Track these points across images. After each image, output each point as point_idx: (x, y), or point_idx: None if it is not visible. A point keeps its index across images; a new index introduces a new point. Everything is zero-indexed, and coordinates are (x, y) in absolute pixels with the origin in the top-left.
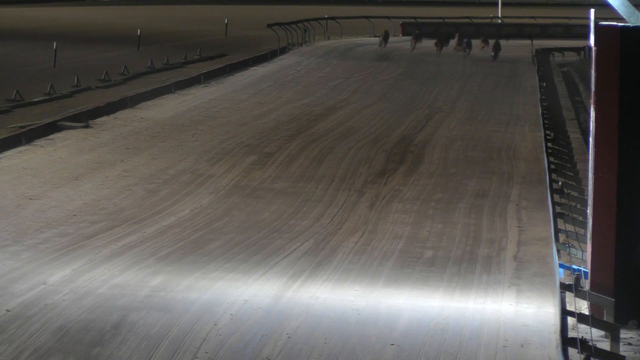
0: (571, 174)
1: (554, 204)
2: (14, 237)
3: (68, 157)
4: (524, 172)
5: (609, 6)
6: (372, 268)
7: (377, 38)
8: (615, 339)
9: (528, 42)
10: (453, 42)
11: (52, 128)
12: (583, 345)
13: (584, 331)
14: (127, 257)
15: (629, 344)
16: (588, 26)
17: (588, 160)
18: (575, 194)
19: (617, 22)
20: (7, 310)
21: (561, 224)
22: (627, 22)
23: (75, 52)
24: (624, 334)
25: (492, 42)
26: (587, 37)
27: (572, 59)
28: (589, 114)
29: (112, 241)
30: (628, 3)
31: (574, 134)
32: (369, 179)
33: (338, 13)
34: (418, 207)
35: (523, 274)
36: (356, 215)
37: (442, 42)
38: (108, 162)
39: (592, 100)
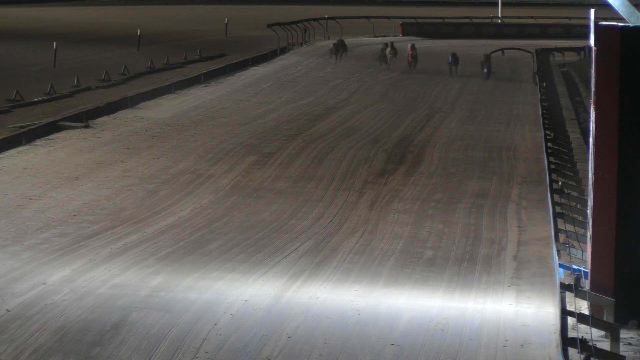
0: (571, 174)
1: (554, 204)
2: (14, 237)
3: (68, 157)
4: (524, 172)
5: (609, 6)
6: (372, 268)
7: (377, 38)
8: (615, 339)
9: (529, 43)
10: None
11: (52, 128)
12: (583, 345)
13: (584, 331)
14: (127, 257)
15: (629, 344)
16: (588, 26)
17: (588, 160)
18: (575, 194)
19: (617, 22)
20: (7, 310)
21: (561, 224)
22: (627, 22)
23: (75, 52)
24: (624, 334)
25: (483, 56)
26: (587, 37)
27: (572, 59)
28: (589, 114)
29: (112, 241)
30: (628, 3)
31: (574, 134)
32: (369, 179)
33: (338, 13)
34: (418, 207)
35: (523, 274)
36: (356, 215)
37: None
38: (108, 162)
39: (592, 100)
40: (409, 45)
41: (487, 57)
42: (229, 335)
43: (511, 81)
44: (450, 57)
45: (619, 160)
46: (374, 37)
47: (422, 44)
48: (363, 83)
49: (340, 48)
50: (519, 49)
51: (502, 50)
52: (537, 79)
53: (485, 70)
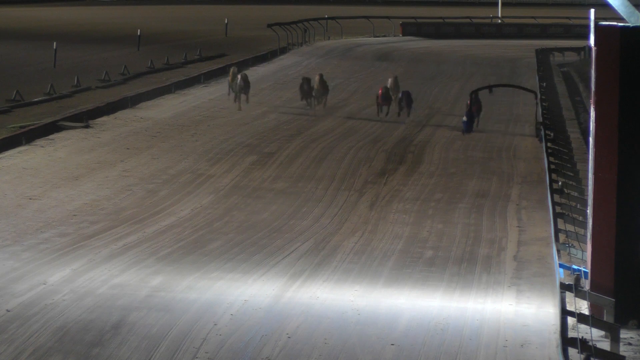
0: (571, 174)
1: (554, 204)
2: (14, 237)
3: (68, 157)
4: (524, 172)
5: (609, 6)
6: (372, 268)
7: (377, 38)
8: (615, 339)
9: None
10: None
11: (52, 128)
12: (583, 345)
13: (584, 331)
14: (127, 257)
15: (629, 344)
16: (588, 26)
17: (588, 160)
18: (575, 194)
19: (617, 22)
20: (7, 310)
21: (561, 224)
22: (627, 22)
23: (75, 52)
24: (624, 334)
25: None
26: (587, 37)
27: (572, 59)
28: (589, 114)
29: (112, 241)
30: (628, 3)
31: (574, 134)
32: (369, 179)
33: (338, 13)
34: (418, 207)
35: (523, 274)
36: (356, 215)
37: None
38: (108, 162)
39: (592, 100)
40: (391, 79)
41: (475, 98)
42: (229, 335)
43: (511, 81)
44: (401, 96)
45: (619, 160)
46: (374, 37)
47: (422, 44)
48: (363, 83)
49: (245, 84)
50: (519, 87)
51: (490, 88)
52: (543, 132)
53: (464, 119)
